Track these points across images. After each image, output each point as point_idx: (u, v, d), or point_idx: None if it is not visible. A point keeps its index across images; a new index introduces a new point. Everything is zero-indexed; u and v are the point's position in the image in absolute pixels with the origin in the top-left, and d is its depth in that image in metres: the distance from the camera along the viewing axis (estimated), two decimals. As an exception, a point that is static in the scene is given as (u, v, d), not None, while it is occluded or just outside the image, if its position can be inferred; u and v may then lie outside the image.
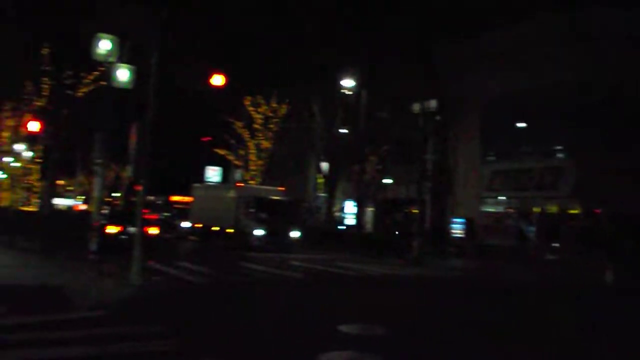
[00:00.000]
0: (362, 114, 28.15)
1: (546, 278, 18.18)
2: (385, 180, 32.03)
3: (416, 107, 25.48)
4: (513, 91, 25.80)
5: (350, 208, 36.57)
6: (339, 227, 33.36)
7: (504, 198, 27.85)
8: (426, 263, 20.83)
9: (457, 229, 26.86)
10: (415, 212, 23.62)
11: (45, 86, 23.59)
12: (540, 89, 24.50)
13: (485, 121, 28.24)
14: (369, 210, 34.52)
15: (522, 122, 27.20)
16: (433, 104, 26.72)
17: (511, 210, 27.48)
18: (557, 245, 23.45)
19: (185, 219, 32.46)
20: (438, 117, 27.91)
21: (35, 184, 46.80)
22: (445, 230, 28.18)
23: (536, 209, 26.09)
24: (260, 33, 30.49)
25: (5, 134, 45.06)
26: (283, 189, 28.94)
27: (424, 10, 27.05)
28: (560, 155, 25.97)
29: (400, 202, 31.47)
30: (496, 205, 28.08)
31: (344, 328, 8.18)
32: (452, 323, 9.68)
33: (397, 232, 28.75)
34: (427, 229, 27.06)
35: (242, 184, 31.65)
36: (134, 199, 44.19)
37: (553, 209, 25.56)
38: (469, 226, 26.51)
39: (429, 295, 13.65)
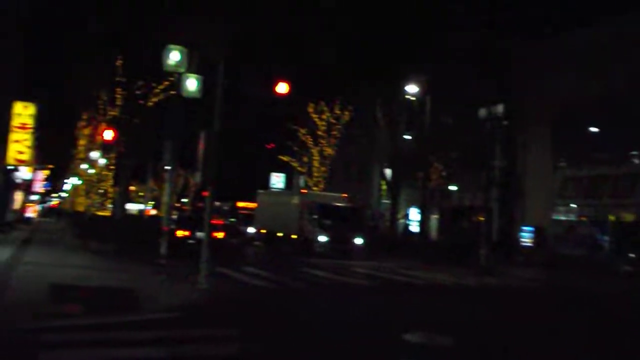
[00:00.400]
0: (426, 120, 27.79)
1: (621, 290, 17.31)
2: (450, 187, 31.46)
3: (482, 112, 24.92)
4: (586, 95, 24.84)
5: (414, 215, 36.15)
6: (405, 234, 33.00)
7: (576, 206, 26.76)
8: (494, 272, 20.26)
9: (526, 237, 26.03)
10: (482, 220, 23.02)
11: (119, 96, 24.59)
12: (614, 93, 23.51)
13: (557, 126, 27.28)
14: (434, 217, 34.00)
15: (595, 127, 26.12)
16: (500, 108, 26.06)
17: (584, 219, 26.37)
18: (633, 255, 22.29)
19: (251, 225, 33.00)
20: (505, 122, 27.20)
21: (109, 189, 48.85)
22: (513, 238, 27.38)
23: (611, 217, 24.90)
24: (324, 39, 30.64)
25: (82, 142, 47.28)
26: (346, 195, 28.94)
27: (493, 12, 26.47)
28: (636, 161, 24.76)
29: (467, 209, 30.83)
30: (568, 213, 26.98)
31: (409, 337, 8.05)
32: (521, 335, 9.35)
33: (464, 240, 28.14)
34: (495, 238, 26.40)
35: (306, 191, 31.87)
36: (201, 204, 45.28)
37: (629, 217, 24.33)
38: (539, 235, 25.62)
39: (496, 305, 13.26)
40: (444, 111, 28.97)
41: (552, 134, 27.56)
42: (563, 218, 26.97)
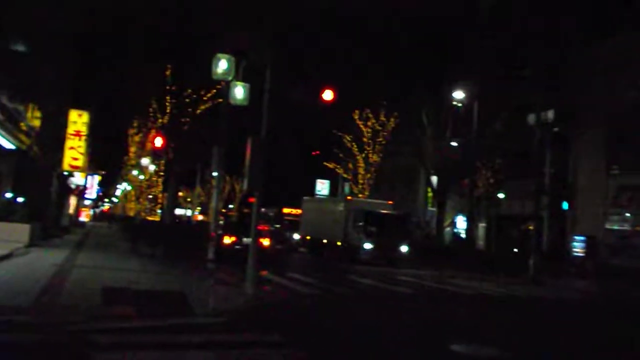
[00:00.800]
0: (473, 126, 27.38)
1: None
2: (498, 195, 30.88)
3: (532, 118, 24.38)
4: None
5: (461, 223, 35.63)
6: (452, 242, 32.53)
7: (630, 215, 25.83)
8: (544, 283, 19.76)
9: (578, 247, 25.28)
10: (531, 229, 22.49)
11: (168, 104, 25.15)
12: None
13: (611, 132, 26.42)
14: (481, 225, 33.43)
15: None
16: (550, 114, 25.45)
17: (639, 229, 25.43)
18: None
19: (296, 231, 33.16)
20: (556, 129, 26.55)
21: (159, 195, 49.98)
22: (564, 248, 26.64)
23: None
24: (370, 45, 30.60)
25: (132, 149, 48.57)
26: (391, 202, 28.77)
27: (544, 15, 25.87)
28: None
29: (515, 217, 30.18)
30: (622, 222, 26.09)
31: (456, 348, 7.93)
32: (567, 348, 9.08)
33: (512, 250, 27.54)
34: (545, 247, 25.73)
35: (351, 198, 31.83)
36: (247, 210, 45.80)
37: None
38: (591, 244, 24.85)
39: (546, 316, 12.91)
40: (492, 117, 28.50)
41: (605, 140, 26.71)
42: (617, 227, 26.07)
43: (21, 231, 18.43)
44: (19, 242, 17.35)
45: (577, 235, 25.93)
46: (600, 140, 26.81)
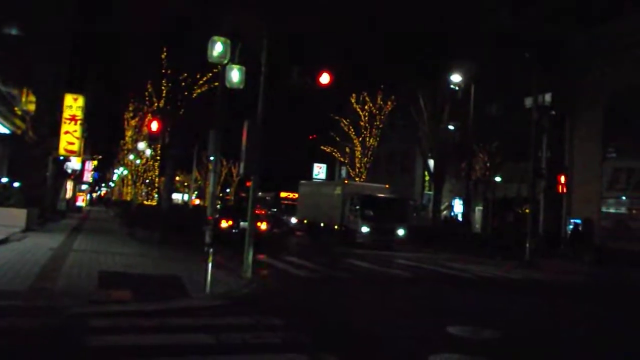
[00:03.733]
0: (470, 110, 27.31)
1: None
2: (495, 178, 30.90)
3: (529, 101, 24.30)
4: (637, 84, 23.88)
5: (458, 206, 35.70)
6: (448, 225, 32.57)
7: (626, 198, 25.90)
8: (539, 265, 19.85)
9: (574, 230, 25.38)
10: (528, 212, 22.54)
11: (164, 88, 24.98)
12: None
13: (607, 116, 26.38)
14: (478, 209, 33.50)
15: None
16: (548, 97, 25.39)
17: (635, 212, 25.49)
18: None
19: (293, 215, 33.19)
20: (553, 112, 26.51)
21: (155, 179, 49.92)
22: (560, 231, 26.73)
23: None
24: (365, 28, 30.40)
25: (129, 133, 48.40)
26: (388, 186, 28.78)
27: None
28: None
29: (512, 201, 30.23)
30: (618, 205, 26.16)
31: (453, 330, 7.96)
32: (568, 330, 9.14)
33: (508, 233, 27.62)
34: (541, 230, 25.80)
35: (348, 181, 31.84)
36: (244, 194, 45.66)
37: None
38: (587, 228, 24.93)
39: (542, 299, 12.98)
40: (489, 101, 28.41)
41: (602, 123, 26.67)
42: (612, 211, 26.15)
43: (17, 216, 18.40)
44: (15, 227, 17.33)
45: (573, 219, 26.00)
46: (597, 123, 26.77)
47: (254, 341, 6.75)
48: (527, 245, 20.58)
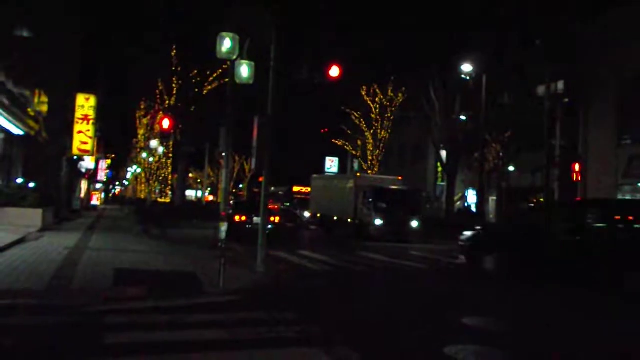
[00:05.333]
0: (483, 100, 27.11)
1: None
2: (508, 168, 30.71)
3: (541, 89, 24.07)
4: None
5: (471, 197, 35.53)
6: (463, 216, 32.42)
7: (643, 185, 25.61)
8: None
9: (589, 218, 25.12)
10: (542, 202, 22.37)
11: (175, 85, 25.11)
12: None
13: (621, 102, 26.05)
14: (491, 199, 33.31)
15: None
16: (560, 85, 25.11)
17: (651, 198, 25.20)
18: None
19: (306, 209, 33.21)
20: (566, 100, 26.23)
21: (168, 176, 50.21)
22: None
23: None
24: (375, 17, 30.28)
25: (141, 132, 48.69)
26: (400, 178, 28.70)
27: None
28: None
29: (526, 190, 30.02)
30: (634, 193, 25.86)
31: (468, 321, 7.92)
32: (583, 321, 9.07)
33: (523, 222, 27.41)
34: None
35: (361, 174, 31.78)
36: (256, 189, 45.80)
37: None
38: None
39: (560, 290, 12.87)
40: (501, 90, 28.16)
41: (616, 110, 26.34)
42: (629, 197, 25.86)
43: (33, 216, 18.57)
44: (31, 227, 17.49)
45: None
46: (611, 110, 26.45)
47: (268, 336, 6.76)
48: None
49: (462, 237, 15.41)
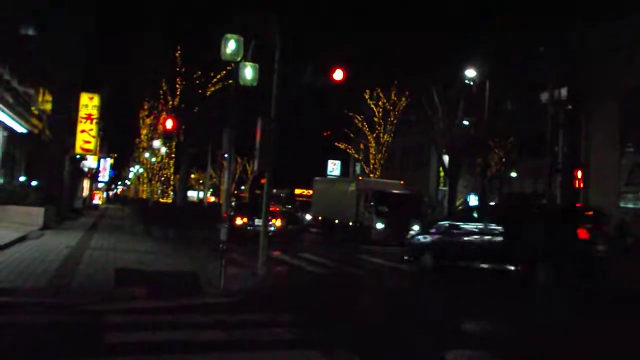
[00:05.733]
0: (485, 105, 27.09)
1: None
2: (510, 174, 30.67)
3: (544, 96, 24.05)
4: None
5: (473, 202, 35.45)
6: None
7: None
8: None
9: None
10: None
11: (178, 86, 25.12)
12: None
13: (624, 110, 26.04)
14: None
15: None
16: (564, 92, 25.10)
17: (654, 206, 25.17)
18: None
19: (308, 212, 33.20)
20: (569, 106, 26.22)
21: (171, 177, 50.25)
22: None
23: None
24: (379, 21, 30.29)
25: (144, 132, 48.75)
26: (402, 182, 28.68)
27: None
28: None
29: (528, 196, 29.95)
30: (637, 200, 25.83)
31: (468, 326, 7.92)
32: (585, 326, 9.05)
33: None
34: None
35: (363, 178, 31.78)
36: (258, 191, 45.80)
37: None
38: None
39: (560, 295, 12.85)
40: (504, 96, 28.14)
41: (619, 117, 26.34)
42: (631, 205, 25.83)
43: (35, 214, 18.59)
44: (33, 225, 17.51)
45: (590, 214, 25.68)
46: (614, 117, 26.45)
47: (268, 337, 6.77)
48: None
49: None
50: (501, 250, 13.25)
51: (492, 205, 19.57)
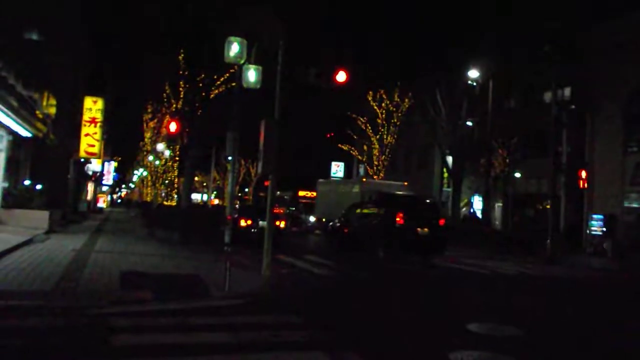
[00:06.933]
0: (489, 105, 27.09)
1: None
2: (514, 174, 30.64)
3: (548, 96, 24.02)
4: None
5: (477, 203, 35.44)
6: (469, 222, 32.34)
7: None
8: (561, 262, 19.65)
9: (596, 226, 25.06)
10: (548, 208, 22.32)
11: (182, 89, 25.14)
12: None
13: (628, 110, 25.99)
14: (497, 205, 33.23)
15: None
16: (567, 92, 25.08)
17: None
18: None
19: (312, 213, 33.20)
20: (573, 107, 26.20)
21: (175, 180, 50.29)
22: (581, 227, 26.41)
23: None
24: (382, 24, 30.32)
25: (148, 135, 48.82)
26: (406, 183, 28.66)
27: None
28: None
29: (532, 197, 29.94)
30: (641, 200, 25.78)
31: (473, 327, 7.91)
32: (590, 326, 9.04)
33: (529, 229, 27.38)
34: (563, 226, 25.53)
35: (366, 179, 31.77)
36: (262, 194, 45.92)
37: None
38: (610, 223, 24.60)
39: (564, 295, 12.86)
40: (508, 96, 28.11)
41: (623, 117, 26.29)
42: (635, 205, 25.77)
43: (40, 218, 18.65)
44: (38, 229, 17.57)
45: (595, 214, 25.68)
46: (618, 117, 26.40)
47: (274, 339, 6.77)
48: (548, 241, 20.38)
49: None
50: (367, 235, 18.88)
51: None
